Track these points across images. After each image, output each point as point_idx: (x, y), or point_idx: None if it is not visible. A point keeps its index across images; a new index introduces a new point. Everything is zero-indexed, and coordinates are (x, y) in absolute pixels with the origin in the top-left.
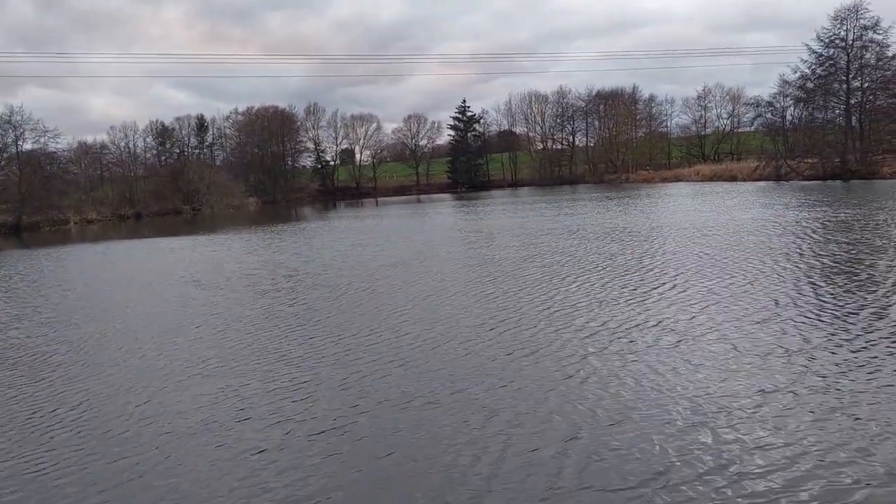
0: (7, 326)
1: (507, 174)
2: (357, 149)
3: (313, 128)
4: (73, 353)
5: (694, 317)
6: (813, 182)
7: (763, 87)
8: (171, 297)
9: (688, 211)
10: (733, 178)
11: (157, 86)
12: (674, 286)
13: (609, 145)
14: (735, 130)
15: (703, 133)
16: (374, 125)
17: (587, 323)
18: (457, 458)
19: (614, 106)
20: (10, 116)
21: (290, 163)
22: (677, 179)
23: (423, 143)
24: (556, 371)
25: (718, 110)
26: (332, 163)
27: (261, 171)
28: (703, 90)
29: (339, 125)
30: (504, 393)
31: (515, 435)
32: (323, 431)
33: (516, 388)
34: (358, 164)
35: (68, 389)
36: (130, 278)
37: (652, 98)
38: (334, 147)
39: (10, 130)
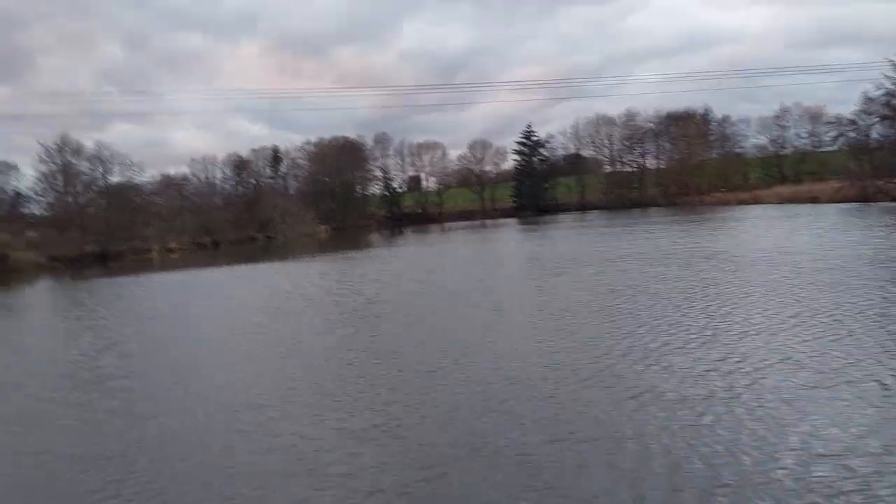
0: (105, 352)
1: (574, 198)
2: (423, 175)
3: (381, 156)
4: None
5: (825, 353)
6: None
7: (845, 104)
8: (252, 325)
9: (777, 235)
10: (815, 200)
11: (234, 119)
12: (794, 316)
13: (681, 167)
14: (816, 150)
15: (781, 153)
16: (440, 152)
17: (706, 357)
18: None
19: (685, 127)
20: (98, 152)
21: (359, 191)
22: (755, 201)
23: (487, 168)
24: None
25: (797, 129)
26: (399, 190)
27: (331, 200)
28: (781, 109)
29: (405, 153)
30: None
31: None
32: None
33: (641, 437)
34: (424, 190)
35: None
36: (211, 306)
37: (726, 118)
38: (401, 174)
39: (99, 165)
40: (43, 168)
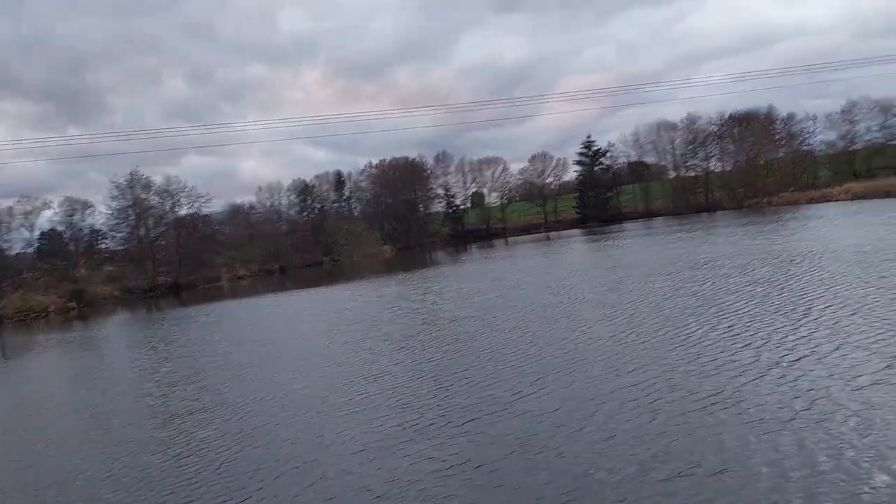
0: (187, 380)
1: (639, 206)
2: (485, 191)
3: (443, 174)
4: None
5: None
6: None
7: None
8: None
9: (831, 234)
10: (889, 195)
11: (298, 146)
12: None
13: (747, 169)
14: (889, 143)
15: (851, 149)
16: (501, 167)
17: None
18: None
19: (750, 127)
20: (167, 186)
21: (421, 209)
22: (825, 200)
23: (549, 180)
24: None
25: (868, 123)
26: (462, 207)
27: (394, 220)
28: (848, 103)
29: (466, 170)
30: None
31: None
32: None
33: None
34: (486, 206)
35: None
36: (282, 331)
37: (791, 116)
38: (463, 191)
39: (168, 198)
40: (115, 204)
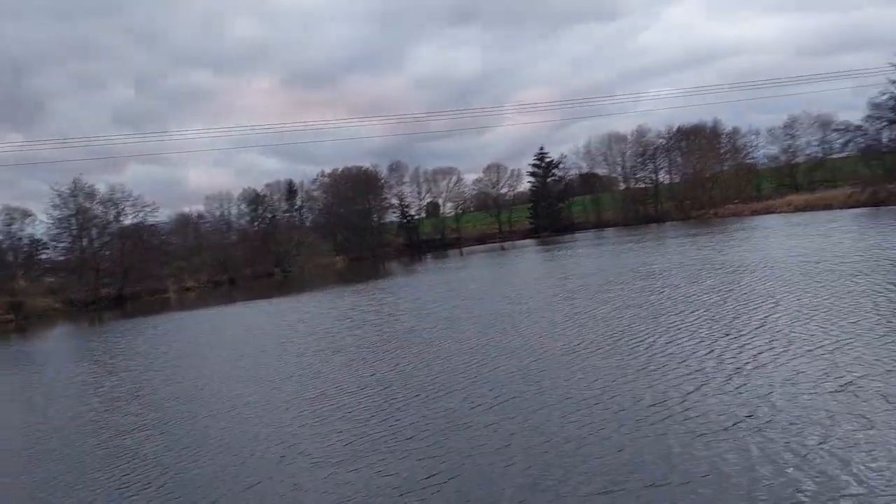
0: (132, 396)
1: (590, 216)
2: (440, 201)
3: (397, 184)
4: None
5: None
6: None
7: (861, 110)
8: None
9: (776, 245)
10: (828, 207)
11: (247, 154)
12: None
13: (694, 181)
14: (827, 157)
15: (793, 162)
16: (455, 177)
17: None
18: None
19: (696, 141)
20: (111, 195)
21: (375, 219)
22: (768, 211)
23: (503, 191)
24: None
25: (808, 137)
26: (416, 217)
27: (347, 230)
28: (789, 118)
29: (421, 180)
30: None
31: None
32: None
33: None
34: (441, 216)
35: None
36: (232, 344)
37: (736, 130)
38: (418, 202)
39: (112, 208)
40: (57, 213)
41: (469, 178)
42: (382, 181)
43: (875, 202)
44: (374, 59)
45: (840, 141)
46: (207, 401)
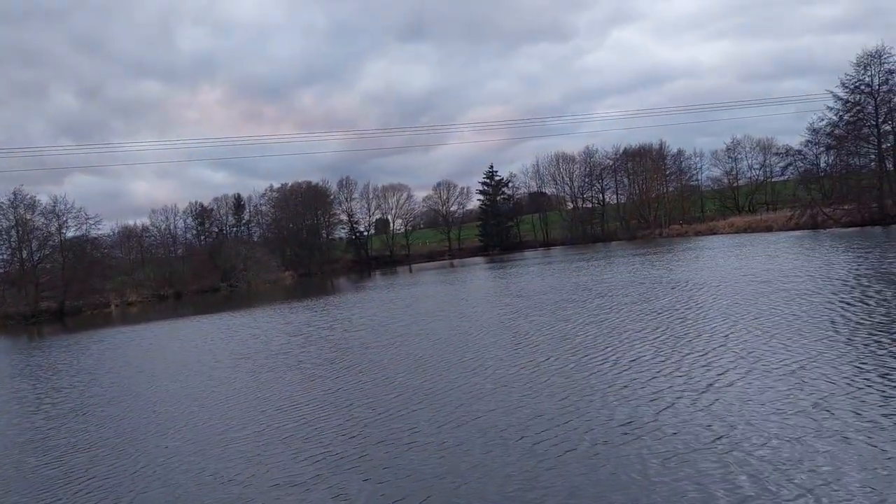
0: (73, 413)
1: (538, 235)
2: (390, 218)
3: (346, 200)
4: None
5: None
6: (851, 229)
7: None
8: (216, 379)
9: (725, 265)
10: (769, 229)
11: (195, 167)
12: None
13: (640, 201)
14: (768, 180)
15: (735, 185)
16: (405, 194)
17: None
18: None
19: (642, 162)
20: (53, 206)
21: (324, 235)
22: (711, 232)
23: (453, 209)
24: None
25: (749, 161)
26: (365, 233)
27: (296, 245)
28: (732, 142)
29: (371, 196)
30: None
31: None
32: None
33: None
34: (391, 232)
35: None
36: (180, 360)
37: (681, 152)
38: (367, 218)
39: (54, 220)
40: None
41: (419, 194)
42: (332, 197)
43: (814, 225)
44: (325, 73)
45: (780, 165)
46: (158, 419)
